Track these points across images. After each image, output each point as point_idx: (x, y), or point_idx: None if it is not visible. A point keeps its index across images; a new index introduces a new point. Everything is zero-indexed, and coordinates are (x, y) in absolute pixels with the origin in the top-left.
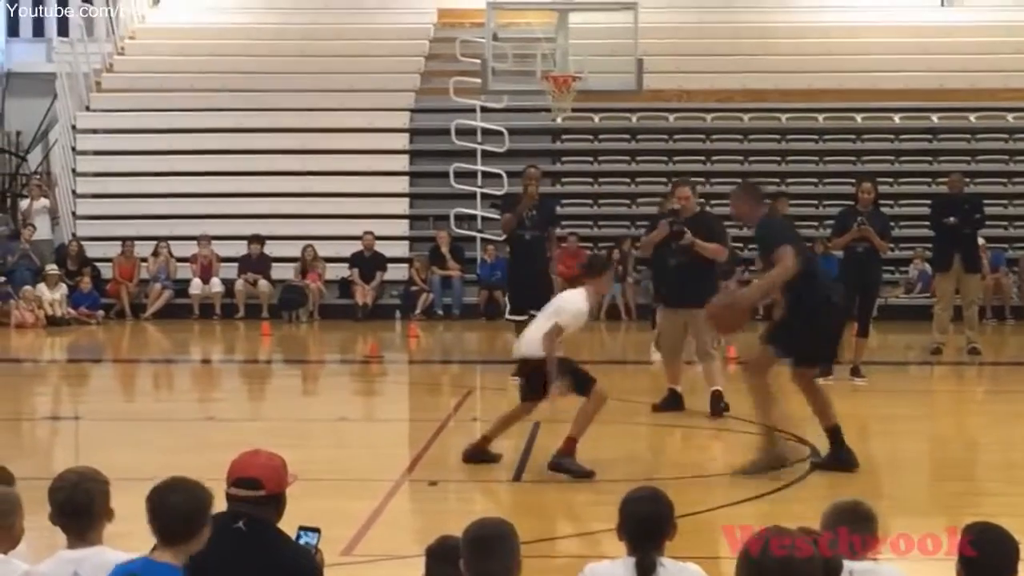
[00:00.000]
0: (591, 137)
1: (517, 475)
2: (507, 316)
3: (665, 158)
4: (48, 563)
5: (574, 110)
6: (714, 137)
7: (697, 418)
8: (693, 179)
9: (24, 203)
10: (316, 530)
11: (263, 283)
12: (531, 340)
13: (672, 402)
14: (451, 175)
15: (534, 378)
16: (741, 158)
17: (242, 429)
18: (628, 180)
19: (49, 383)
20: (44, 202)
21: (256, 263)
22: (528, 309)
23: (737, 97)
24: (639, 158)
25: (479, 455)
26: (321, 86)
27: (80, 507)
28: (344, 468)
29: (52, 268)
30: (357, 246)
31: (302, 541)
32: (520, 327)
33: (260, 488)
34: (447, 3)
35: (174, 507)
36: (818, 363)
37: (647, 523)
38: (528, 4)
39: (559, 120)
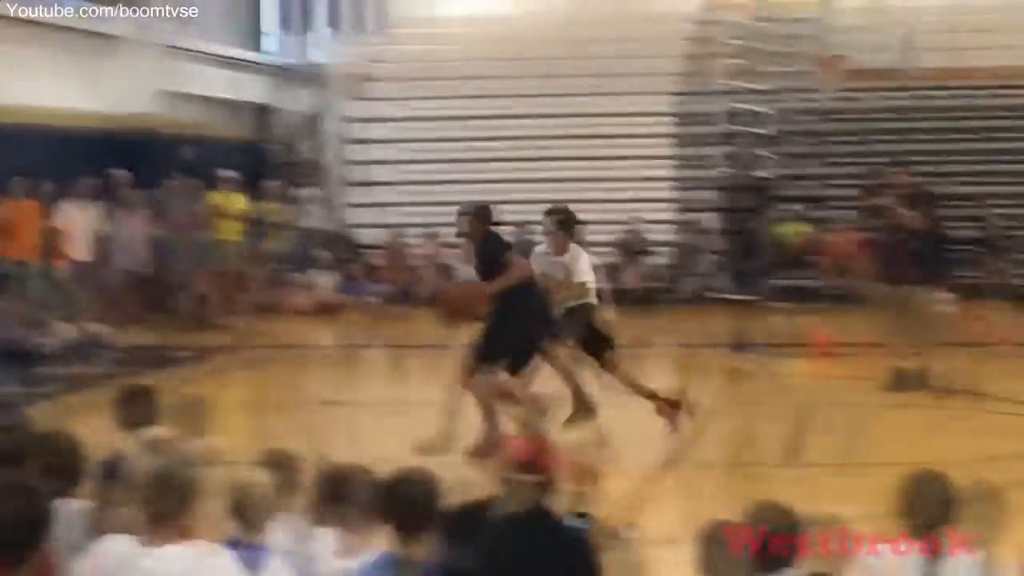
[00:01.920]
0: (859, 117)
1: (789, 457)
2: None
3: (934, 137)
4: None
5: (841, 90)
6: (992, 115)
7: None
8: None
9: (297, 192)
10: (586, 515)
11: None
12: None
13: None
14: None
15: None
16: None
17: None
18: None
19: (322, 369)
20: (315, 191)
21: (523, 249)
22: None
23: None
24: (910, 137)
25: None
26: (583, 71)
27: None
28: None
29: (324, 255)
30: (623, 231)
31: (572, 526)
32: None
33: (535, 473)
34: None
35: (411, 498)
36: (499, 362)
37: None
38: None
39: (826, 101)
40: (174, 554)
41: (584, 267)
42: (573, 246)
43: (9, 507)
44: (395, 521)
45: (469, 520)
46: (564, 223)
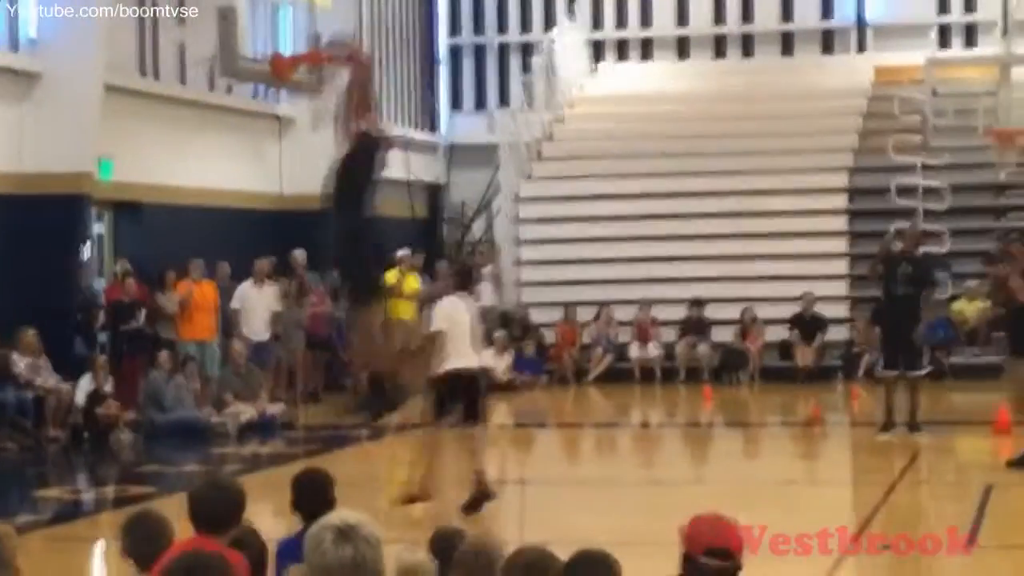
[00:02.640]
0: None
1: (971, 539)
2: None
3: None
4: None
5: (1019, 164)
6: None
7: None
8: None
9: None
10: None
11: (703, 346)
12: None
13: None
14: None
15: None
16: None
17: (688, 493)
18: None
19: (496, 447)
20: (489, 269)
21: (696, 326)
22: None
23: None
24: None
25: None
26: (757, 148)
27: None
28: (793, 532)
29: (499, 334)
30: (796, 307)
31: None
32: (889, 384)
33: (732, 559)
34: (884, 61)
35: None
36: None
37: None
38: (968, 59)
39: (1003, 176)
40: None
41: None
42: None
43: None
44: None
45: None
46: None
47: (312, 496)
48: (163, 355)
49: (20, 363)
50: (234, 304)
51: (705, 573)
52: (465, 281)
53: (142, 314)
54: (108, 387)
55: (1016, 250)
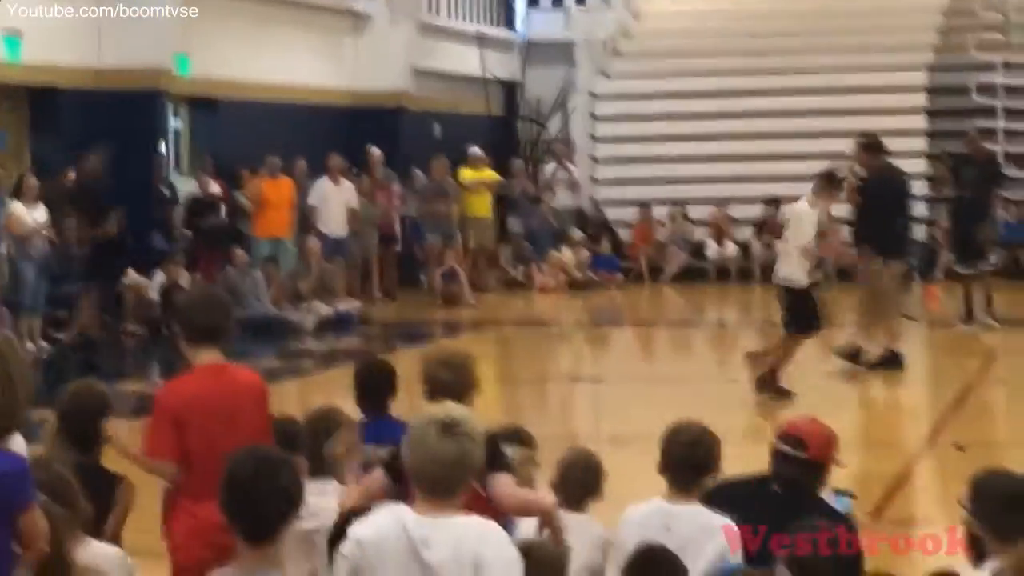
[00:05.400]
0: None
1: None
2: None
3: None
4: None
5: None
6: None
7: None
8: None
9: (546, 169)
10: (850, 494)
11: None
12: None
13: None
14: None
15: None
16: None
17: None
18: None
19: (571, 345)
20: (565, 168)
21: (772, 226)
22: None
23: None
24: None
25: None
26: (835, 46)
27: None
28: (872, 430)
29: (575, 232)
30: None
31: (837, 504)
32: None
33: (804, 450)
34: None
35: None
36: None
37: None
38: None
39: None
40: (458, 527)
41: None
42: None
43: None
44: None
45: (741, 493)
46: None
47: (375, 388)
48: (238, 252)
49: None
50: (311, 200)
51: (775, 457)
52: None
53: (222, 210)
54: (182, 282)
55: None
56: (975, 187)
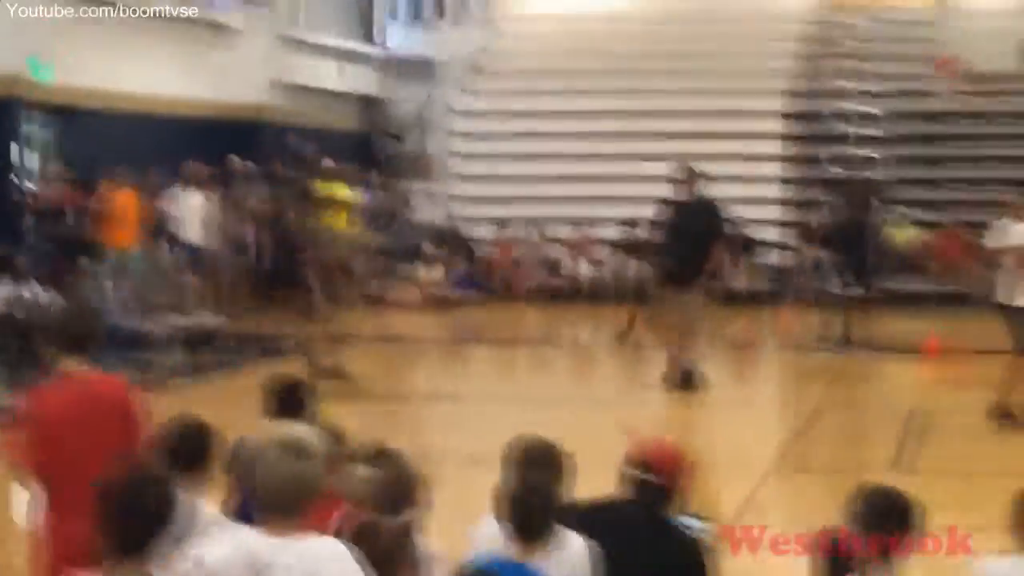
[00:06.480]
0: (972, 120)
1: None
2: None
3: None
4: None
5: (956, 92)
6: None
7: None
8: None
9: (404, 184)
10: (704, 517)
11: (636, 266)
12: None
13: None
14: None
15: None
16: None
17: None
18: (1014, 164)
19: (427, 362)
20: (423, 183)
21: (630, 246)
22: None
23: None
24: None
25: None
26: (695, 69)
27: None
28: (720, 453)
29: (431, 248)
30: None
31: (692, 528)
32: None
33: (653, 473)
34: None
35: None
36: None
37: None
38: None
39: (938, 104)
40: (300, 547)
41: None
42: None
43: (138, 498)
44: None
45: (591, 517)
46: None
47: (287, 401)
48: (82, 261)
49: None
50: (168, 210)
51: (627, 481)
52: None
53: (69, 218)
54: (27, 293)
55: None
56: (852, 211)
